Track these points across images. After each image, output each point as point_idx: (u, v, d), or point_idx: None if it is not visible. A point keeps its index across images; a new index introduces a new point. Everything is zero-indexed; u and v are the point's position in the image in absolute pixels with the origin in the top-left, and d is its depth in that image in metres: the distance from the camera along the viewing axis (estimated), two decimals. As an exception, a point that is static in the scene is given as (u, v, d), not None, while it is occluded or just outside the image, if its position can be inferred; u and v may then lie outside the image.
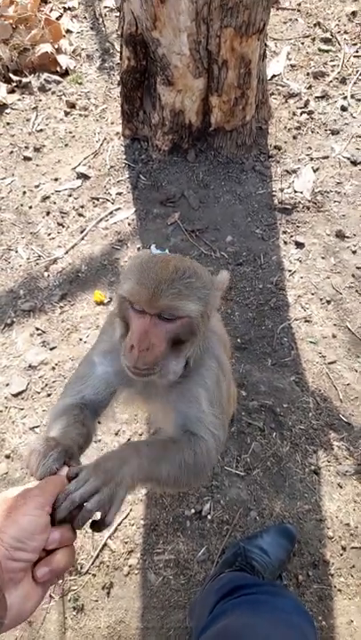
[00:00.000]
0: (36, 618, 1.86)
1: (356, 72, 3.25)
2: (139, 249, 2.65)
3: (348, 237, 2.62)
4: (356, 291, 2.46)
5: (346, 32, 3.47)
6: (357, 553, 1.87)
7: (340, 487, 1.99)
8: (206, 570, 1.88)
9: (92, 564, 1.93)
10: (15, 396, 2.28)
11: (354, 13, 3.53)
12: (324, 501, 1.96)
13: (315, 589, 1.81)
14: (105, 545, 1.96)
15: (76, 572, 1.92)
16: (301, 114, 3.12)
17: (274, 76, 3.32)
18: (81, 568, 1.92)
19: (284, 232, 2.68)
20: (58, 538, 0.81)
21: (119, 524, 1.99)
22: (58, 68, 3.44)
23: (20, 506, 0.79)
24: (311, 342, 2.32)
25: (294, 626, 1.06)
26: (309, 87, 3.24)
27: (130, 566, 1.92)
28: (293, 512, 1.95)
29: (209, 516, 1.97)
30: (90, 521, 0.88)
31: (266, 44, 2.96)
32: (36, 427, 2.21)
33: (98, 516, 0.91)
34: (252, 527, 1.93)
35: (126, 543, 1.96)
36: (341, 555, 1.87)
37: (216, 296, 1.16)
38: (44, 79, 3.34)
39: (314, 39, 3.47)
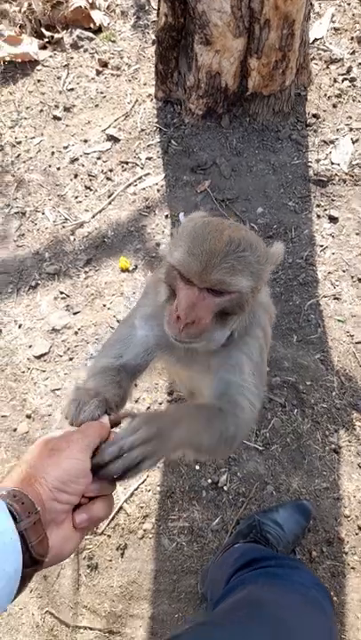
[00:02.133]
0: (50, 572, 1.92)
1: None
2: (167, 216, 2.60)
3: (384, 214, 2.52)
4: (390, 270, 2.38)
5: (397, -7, 3.26)
6: (373, 533, 1.86)
7: (360, 467, 1.96)
8: (220, 539, 1.90)
9: (108, 525, 1.97)
10: (38, 357, 2.30)
11: None
12: (343, 480, 1.95)
13: (328, 566, 1.82)
14: (121, 508, 1.99)
15: (91, 532, 1.96)
16: (343, 81, 2.96)
17: (316, 39, 3.15)
18: (97, 529, 1.96)
19: (318, 205, 2.59)
20: (98, 486, 0.82)
21: (136, 489, 2.01)
22: (91, 25, 3.32)
23: (64, 449, 0.80)
24: (339, 320, 2.27)
25: (313, 599, 1.06)
26: (353, 52, 3.06)
27: (144, 530, 1.94)
28: (311, 489, 1.94)
29: (225, 488, 1.97)
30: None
31: (311, 4, 2.80)
32: (58, 389, 2.22)
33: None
34: (268, 501, 1.93)
35: (142, 508, 1.98)
36: (357, 534, 1.86)
37: (269, 270, 1.11)
38: (77, 35, 3.23)
39: (361, 0, 3.27)
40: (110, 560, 1.92)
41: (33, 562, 0.70)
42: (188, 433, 0.99)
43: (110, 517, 1.97)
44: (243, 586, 1.13)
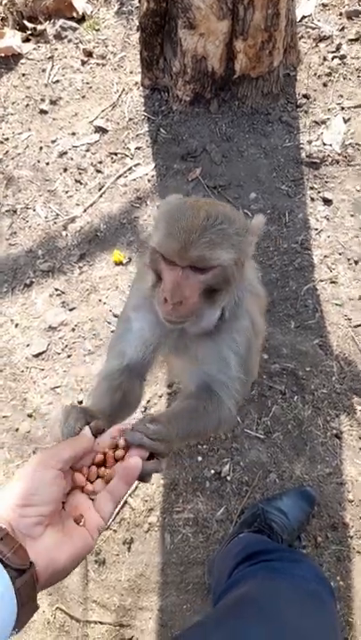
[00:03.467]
0: (59, 569, 1.93)
1: (395, 10, 2.99)
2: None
3: (379, 193, 2.48)
4: (386, 250, 2.34)
5: (385, -36, 3.17)
6: (378, 517, 1.86)
7: (363, 452, 1.96)
8: (225, 529, 1.90)
9: (113, 520, 1.97)
10: (36, 356, 2.29)
11: None
12: (346, 465, 1.94)
13: (333, 550, 1.82)
14: (125, 502, 1.99)
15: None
16: (333, 59, 2.90)
17: (304, 17, 3.07)
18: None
19: (312, 188, 2.54)
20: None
21: (139, 483, 2.01)
22: (74, 14, 3.26)
23: (22, 470, 0.82)
24: (337, 304, 2.24)
25: (313, 594, 1.06)
26: (342, 29, 2.99)
27: (150, 523, 1.95)
28: (314, 475, 1.94)
29: (228, 477, 1.97)
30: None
31: (296, -20, 2.73)
32: (57, 387, 2.22)
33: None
34: (272, 489, 1.93)
35: (146, 501, 1.99)
36: (361, 518, 1.86)
37: (251, 242, 1.10)
38: (60, 26, 3.17)
39: (349, -26, 3.18)
40: (117, 554, 1.93)
41: (19, 572, 0.70)
42: (179, 436, 1.04)
43: (116, 512, 1.98)
44: (244, 580, 1.13)
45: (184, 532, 1.92)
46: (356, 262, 2.33)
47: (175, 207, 1.05)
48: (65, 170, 2.71)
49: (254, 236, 1.11)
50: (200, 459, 2.01)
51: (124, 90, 2.92)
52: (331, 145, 2.64)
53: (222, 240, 1.01)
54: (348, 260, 2.35)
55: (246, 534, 1.70)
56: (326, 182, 2.55)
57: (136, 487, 2.01)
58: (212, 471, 1.99)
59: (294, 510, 1.81)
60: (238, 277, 1.10)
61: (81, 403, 2.18)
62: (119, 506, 1.98)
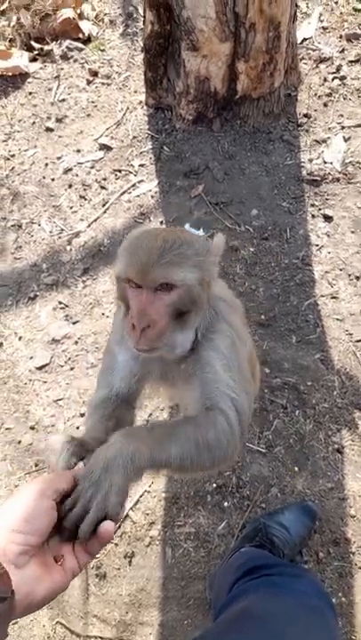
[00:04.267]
0: (60, 583, 1.92)
1: (393, 33, 3.07)
2: (161, 222, 2.61)
3: (379, 211, 2.52)
4: (386, 266, 2.37)
5: (383, -11, 3.26)
6: (379, 532, 1.86)
7: (364, 466, 1.96)
8: (226, 543, 1.90)
9: (114, 533, 1.97)
10: (39, 369, 2.31)
11: (392, -31, 3.30)
12: (347, 480, 1.95)
13: (335, 566, 1.81)
14: (127, 516, 1.99)
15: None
16: (333, 79, 2.97)
17: (304, 39, 3.15)
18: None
19: (312, 205, 2.59)
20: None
21: (141, 496, 2.02)
22: (80, 35, 3.35)
23: (22, 492, 0.81)
24: (338, 319, 2.27)
25: (314, 609, 1.05)
26: (342, 51, 3.07)
27: (151, 537, 1.95)
28: (315, 490, 1.94)
29: (230, 492, 1.97)
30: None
31: (297, 5, 2.81)
32: (60, 399, 2.24)
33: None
34: (273, 504, 1.93)
35: (148, 515, 1.98)
36: (363, 533, 1.86)
37: (213, 262, 1.12)
38: (66, 46, 3.25)
39: (348, -2, 3.27)
40: (118, 568, 1.93)
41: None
42: (138, 454, 0.92)
43: (117, 525, 1.97)
44: (244, 595, 1.13)
45: (185, 547, 1.91)
46: (356, 278, 2.36)
47: (135, 237, 1.09)
48: (70, 186, 2.76)
49: (216, 255, 1.13)
50: (201, 472, 2.01)
51: (128, 108, 2.99)
52: (331, 163, 2.69)
53: (181, 260, 1.03)
54: (349, 275, 2.37)
55: (247, 549, 1.70)
56: (327, 199, 2.59)
57: (137, 501, 2.01)
58: (214, 485, 2.00)
59: (296, 525, 1.81)
60: (205, 297, 1.11)
61: (83, 416, 2.19)
62: (120, 520, 1.98)
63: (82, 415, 2.19)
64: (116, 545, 1.96)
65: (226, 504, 1.96)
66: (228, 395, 1.11)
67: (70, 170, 2.80)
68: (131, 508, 1.99)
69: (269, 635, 0.94)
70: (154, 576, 1.89)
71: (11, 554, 0.75)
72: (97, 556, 1.89)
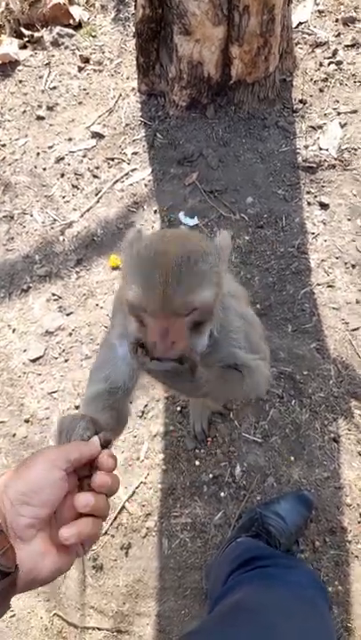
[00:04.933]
0: (56, 575, 1.92)
1: (390, 16, 3.01)
2: (155, 211, 2.57)
3: (375, 197, 2.49)
4: (383, 254, 2.35)
5: (380, -29, 3.20)
6: (376, 520, 1.86)
7: (360, 455, 1.95)
8: (223, 533, 1.90)
9: (111, 525, 1.97)
10: (33, 361, 2.29)
11: None
12: (343, 469, 1.94)
13: (331, 555, 1.81)
14: (123, 507, 1.98)
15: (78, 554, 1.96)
16: (329, 64, 2.92)
17: (300, 23, 3.10)
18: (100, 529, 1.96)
19: (308, 192, 2.55)
20: (91, 501, 0.77)
21: (137, 487, 2.01)
22: (71, 21, 3.28)
23: (32, 460, 0.77)
24: (334, 308, 2.25)
25: (307, 600, 1.05)
26: (338, 35, 3.01)
27: (147, 528, 1.94)
28: (311, 479, 1.93)
29: (226, 482, 1.97)
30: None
31: (291, -13, 2.75)
32: (55, 392, 2.22)
33: None
34: (270, 493, 1.93)
35: (144, 506, 1.98)
36: (359, 522, 1.85)
37: (224, 266, 1.07)
38: (57, 33, 3.19)
39: (344, -20, 3.21)
40: (115, 560, 1.92)
41: (2, 575, 0.67)
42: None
43: (113, 517, 1.97)
44: (238, 587, 1.12)
45: (182, 537, 1.91)
46: (353, 266, 2.34)
47: (143, 254, 1.00)
48: (62, 175, 2.72)
49: (225, 257, 1.08)
50: (197, 463, 2.01)
51: (120, 95, 2.93)
52: (327, 150, 2.66)
53: (200, 280, 0.97)
54: (346, 263, 2.35)
55: (244, 539, 1.69)
56: (323, 187, 2.56)
57: (133, 492, 2.00)
58: (210, 475, 1.99)
59: (292, 514, 1.80)
60: (220, 302, 1.10)
61: (77, 407, 2.18)
62: (117, 510, 1.97)
63: (77, 407, 2.18)
64: (113, 536, 1.95)
65: (222, 494, 1.96)
66: (258, 362, 1.27)
67: (62, 159, 2.76)
68: (127, 500, 1.99)
69: (262, 627, 0.93)
70: (150, 567, 1.89)
71: (17, 527, 0.72)
72: (93, 548, 1.90)
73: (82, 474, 0.82)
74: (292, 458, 1.98)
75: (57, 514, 0.79)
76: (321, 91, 2.84)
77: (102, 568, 1.92)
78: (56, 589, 1.91)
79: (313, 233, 2.44)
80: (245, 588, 1.10)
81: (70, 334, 2.32)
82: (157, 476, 2.02)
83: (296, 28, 3.03)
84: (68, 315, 2.36)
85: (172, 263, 0.95)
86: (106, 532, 1.96)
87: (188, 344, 1.00)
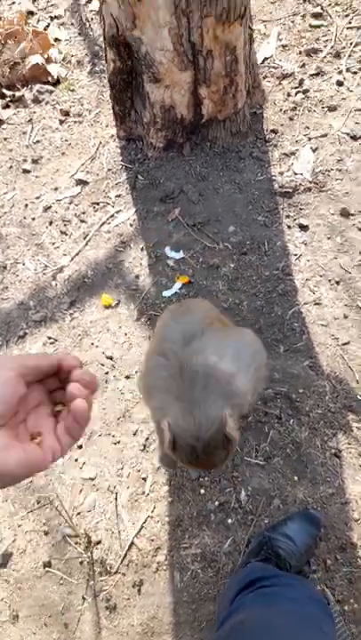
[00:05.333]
0: (71, 620, 1.91)
1: (350, 44, 3.17)
2: (142, 249, 2.66)
3: (352, 215, 2.57)
4: (366, 268, 2.40)
5: (337, 4, 3.39)
6: (386, 534, 1.84)
7: (363, 469, 1.96)
8: (234, 561, 1.88)
9: (121, 562, 1.96)
10: (34, 404, 2.33)
11: (341, -16, 3.44)
12: (348, 484, 1.94)
13: (344, 573, 1.79)
14: (132, 544, 1.98)
15: (106, 572, 1.95)
16: (296, 94, 3.06)
17: (266, 58, 3.27)
18: (110, 568, 1.95)
19: (287, 216, 2.64)
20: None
21: (144, 522, 2.01)
22: (49, 78, 3.48)
23: None
24: (323, 325, 2.29)
25: (308, 617, 1.05)
26: (303, 65, 3.17)
27: (158, 563, 1.94)
28: (317, 497, 1.93)
29: (232, 508, 1.97)
30: None
31: (251, 28, 2.92)
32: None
33: None
34: (276, 515, 1.92)
35: (152, 541, 1.98)
36: (369, 537, 1.84)
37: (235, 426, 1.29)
38: (37, 90, 3.38)
39: (304, 16, 3.39)
40: (128, 599, 1.91)
41: None
42: None
43: (123, 555, 1.97)
44: (241, 608, 1.13)
45: (193, 569, 1.90)
46: (337, 282, 2.39)
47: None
48: (50, 223, 2.83)
49: (235, 438, 1.27)
50: (202, 491, 2.01)
51: (101, 143, 3.08)
52: (302, 174, 2.76)
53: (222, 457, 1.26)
54: (330, 280, 2.41)
55: (254, 564, 1.68)
56: (301, 209, 2.64)
57: (141, 527, 2.00)
58: (216, 503, 1.99)
59: (301, 535, 1.79)
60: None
61: (81, 447, 2.20)
62: (126, 547, 1.97)
63: (79, 447, 2.20)
64: (124, 575, 1.95)
65: (230, 521, 1.95)
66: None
67: (50, 207, 2.88)
68: (135, 536, 1.99)
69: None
70: (164, 602, 1.88)
71: None
72: (105, 588, 1.89)
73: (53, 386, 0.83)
74: (296, 477, 1.98)
75: (27, 419, 0.78)
76: (291, 119, 2.97)
77: (116, 608, 1.90)
78: (71, 634, 1.89)
79: (296, 254, 2.51)
80: (247, 608, 1.11)
81: (68, 375, 2.36)
82: (164, 508, 2.03)
83: (262, 63, 3.20)
84: (64, 356, 2.41)
85: (208, 467, 1.28)
86: (117, 571, 1.95)
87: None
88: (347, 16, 3.31)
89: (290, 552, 1.75)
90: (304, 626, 1.01)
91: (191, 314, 1.59)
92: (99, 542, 2.01)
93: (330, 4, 3.39)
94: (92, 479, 2.13)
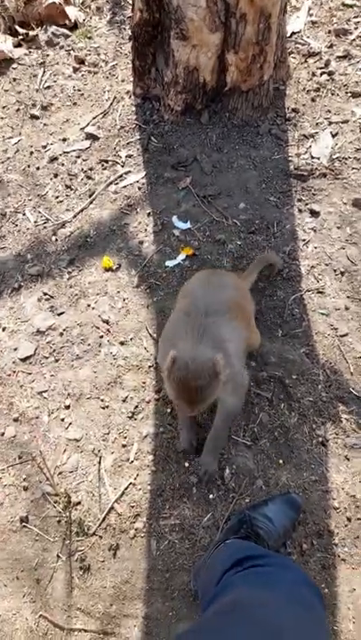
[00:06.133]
0: (43, 576, 1.91)
1: (381, 30, 3.08)
2: (149, 214, 2.58)
3: (365, 206, 2.54)
4: (371, 262, 2.40)
5: (372, -14, 3.27)
6: (362, 523, 1.89)
7: (348, 460, 1.99)
8: (211, 535, 1.91)
9: (99, 526, 1.96)
10: (23, 360, 2.28)
11: (381, -35, 3.32)
12: (331, 473, 1.97)
13: (318, 558, 1.84)
14: (112, 508, 1.98)
15: (83, 533, 1.95)
16: (321, 74, 2.98)
17: (293, 33, 3.16)
18: (88, 529, 1.95)
19: (300, 200, 2.60)
20: None
21: (126, 488, 2.01)
22: (66, 21, 3.29)
23: None
24: (323, 314, 2.28)
25: (304, 599, 1.06)
26: (331, 46, 3.08)
27: (136, 529, 1.94)
28: (300, 482, 1.96)
29: (215, 483, 1.98)
30: None
31: (287, -2, 2.80)
32: (44, 391, 2.21)
33: None
34: (258, 496, 1.95)
35: (132, 507, 1.98)
36: (346, 525, 1.88)
37: (223, 377, 1.57)
38: (52, 32, 3.19)
39: (338, -7, 3.27)
40: (103, 561, 1.92)
41: None
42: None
43: (102, 518, 1.97)
44: (233, 586, 1.13)
45: (170, 539, 1.92)
46: (342, 273, 2.38)
47: (177, 381, 1.53)
48: (55, 175, 2.71)
49: (224, 377, 1.55)
50: (187, 464, 2.02)
51: (115, 98, 2.95)
52: (319, 158, 2.70)
53: (209, 394, 1.56)
54: (335, 270, 2.39)
55: (233, 540, 1.70)
56: (314, 195, 2.60)
57: (123, 493, 2.00)
58: (199, 478, 2.00)
59: (280, 516, 1.82)
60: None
61: (68, 407, 2.17)
62: (105, 511, 1.97)
63: (67, 407, 2.17)
64: (101, 537, 1.95)
65: (211, 496, 1.97)
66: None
67: (56, 159, 2.76)
68: (116, 501, 1.99)
69: (261, 626, 0.94)
70: (138, 568, 1.89)
71: None
72: (80, 548, 1.89)
73: None
74: (281, 461, 2.00)
75: None
76: (313, 100, 2.89)
77: (89, 569, 1.91)
78: (42, 590, 1.90)
79: (304, 240, 2.48)
80: (241, 586, 1.11)
81: (61, 334, 2.31)
82: (147, 477, 2.03)
83: (290, 37, 3.09)
84: (59, 314, 2.36)
85: (193, 391, 1.52)
86: (94, 533, 1.96)
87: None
88: (382, 0, 3.21)
89: (268, 532, 1.77)
90: (300, 607, 1.02)
91: (222, 289, 1.80)
92: (78, 503, 2.00)
93: (366, -15, 3.28)
94: (77, 440, 2.11)
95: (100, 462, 2.06)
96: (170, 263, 2.44)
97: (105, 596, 1.87)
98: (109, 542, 1.94)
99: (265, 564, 1.20)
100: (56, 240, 2.54)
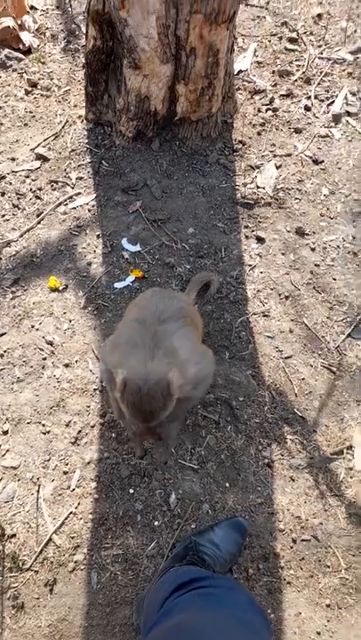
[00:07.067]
0: (-28, 617, 1.75)
1: (320, 73, 3.30)
2: (98, 236, 2.57)
3: (307, 235, 2.64)
4: (314, 287, 2.47)
5: (311, 33, 3.52)
6: (307, 545, 1.87)
7: (293, 480, 1.98)
8: (156, 565, 1.83)
9: (35, 559, 1.84)
10: None
11: (320, 16, 3.58)
12: (277, 494, 1.96)
13: (264, 582, 1.80)
14: (50, 540, 1.87)
15: (17, 568, 1.82)
16: (266, 110, 3.13)
17: (240, 71, 3.32)
18: (23, 564, 1.82)
19: (246, 227, 2.67)
20: None
21: (66, 518, 1.90)
22: (20, 45, 3.30)
23: None
24: (268, 337, 2.32)
25: (249, 622, 1.02)
26: (275, 85, 3.25)
27: (75, 562, 1.84)
28: (246, 505, 1.93)
29: (160, 510, 1.91)
30: None
31: (235, 37, 2.95)
32: (-19, 416, 2.09)
33: None
34: (205, 521, 1.90)
35: (73, 538, 1.87)
36: (292, 547, 1.86)
37: (176, 391, 1.48)
38: (5, 55, 3.19)
39: (281, 38, 3.49)
40: (38, 598, 1.79)
41: None
42: None
43: (38, 551, 1.85)
44: (177, 609, 1.07)
45: (112, 570, 1.82)
46: (286, 297, 2.44)
47: (130, 403, 1.45)
48: (2, 194, 2.66)
49: (176, 390, 1.47)
50: (132, 491, 1.95)
51: (67, 121, 2.96)
52: (264, 188, 2.80)
53: (161, 413, 1.46)
54: (280, 295, 2.45)
55: (177, 568, 1.64)
56: (260, 222, 2.68)
57: (62, 523, 1.89)
58: (144, 505, 1.93)
59: (226, 541, 1.78)
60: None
61: (6, 433, 2.06)
62: (42, 543, 1.85)
63: (4, 433, 2.06)
64: (37, 572, 1.82)
65: (156, 523, 1.90)
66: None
67: (4, 177, 2.71)
68: (54, 532, 1.88)
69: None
70: (77, 604, 1.78)
71: None
72: (14, 585, 1.76)
73: None
74: (227, 484, 1.97)
75: None
76: (259, 134, 3.02)
77: (23, 607, 1.77)
78: (-29, 634, 1.74)
79: (250, 265, 2.53)
80: (185, 610, 1.05)
81: (2, 355, 2.22)
82: (89, 505, 1.93)
83: (237, 75, 3.24)
84: (0, 335, 2.26)
85: (147, 413, 1.46)
86: (29, 568, 1.83)
87: (156, 436, 1.61)
88: (320, 46, 3.45)
89: (215, 558, 1.72)
90: (245, 631, 0.97)
91: (174, 299, 1.78)
92: (13, 536, 1.87)
93: (305, 32, 3.52)
94: (15, 468, 1.99)
95: (38, 491, 1.95)
96: (119, 285, 2.42)
97: (39, 637, 1.73)
98: (46, 577, 1.82)
99: (210, 586, 1.15)
100: (0, 259, 2.46)
